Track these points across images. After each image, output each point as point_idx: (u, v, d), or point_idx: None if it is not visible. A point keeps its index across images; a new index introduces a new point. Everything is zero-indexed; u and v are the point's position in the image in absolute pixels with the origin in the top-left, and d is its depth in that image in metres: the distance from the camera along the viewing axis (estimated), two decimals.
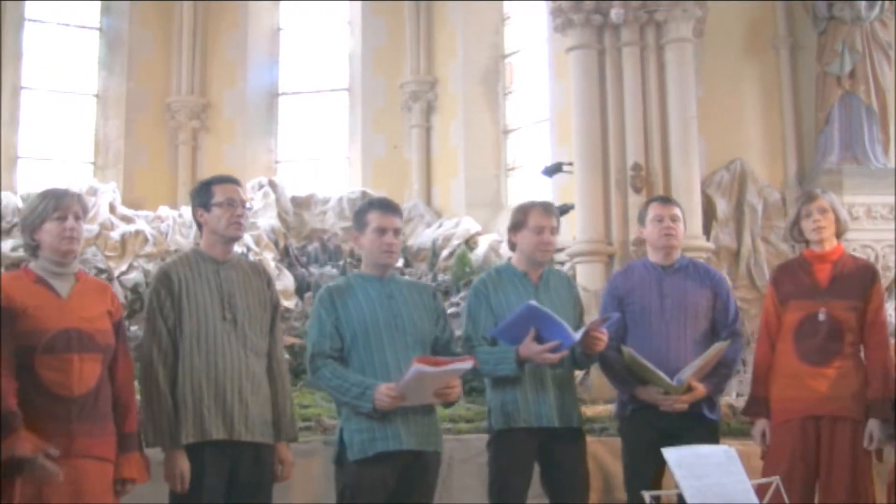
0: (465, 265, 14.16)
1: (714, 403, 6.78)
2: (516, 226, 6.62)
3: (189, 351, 5.65)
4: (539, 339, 6.13)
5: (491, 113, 16.69)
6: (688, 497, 4.70)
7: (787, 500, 5.02)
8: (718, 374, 6.73)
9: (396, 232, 6.08)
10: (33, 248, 5.36)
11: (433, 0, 17.32)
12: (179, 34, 17.91)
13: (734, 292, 10.72)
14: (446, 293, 13.30)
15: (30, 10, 17.73)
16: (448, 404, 6.08)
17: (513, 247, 6.73)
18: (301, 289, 14.14)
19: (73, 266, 5.40)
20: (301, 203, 16.56)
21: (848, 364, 6.60)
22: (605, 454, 8.43)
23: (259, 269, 6.16)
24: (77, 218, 5.33)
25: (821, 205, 6.78)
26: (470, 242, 15.21)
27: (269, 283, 6.11)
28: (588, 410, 9.61)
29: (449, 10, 17.02)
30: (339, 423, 6.01)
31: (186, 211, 15.59)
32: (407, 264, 15.09)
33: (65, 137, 17.74)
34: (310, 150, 18.27)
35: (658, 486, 6.48)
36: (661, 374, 6.48)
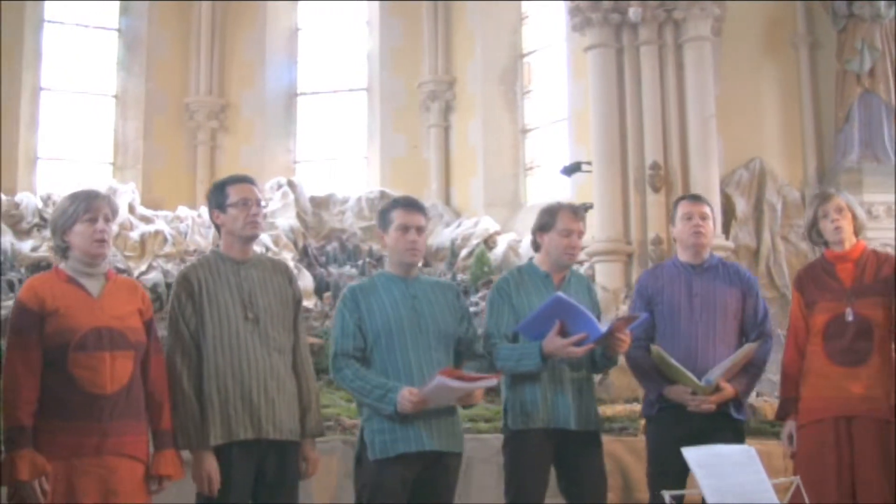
0: (484, 265, 14.16)
1: (741, 404, 6.73)
2: (544, 227, 6.57)
3: (213, 353, 5.66)
4: (564, 334, 6.10)
5: (509, 112, 16.68)
6: (708, 497, 4.68)
7: (807, 500, 4.99)
8: (747, 375, 6.68)
9: (420, 230, 6.06)
10: (63, 250, 5.39)
11: (451, 0, 17.31)
12: (198, 35, 17.94)
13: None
14: (465, 293, 13.30)
15: (49, 11, 17.78)
16: (468, 406, 6.09)
17: (537, 247, 6.69)
18: (320, 288, 14.16)
19: (103, 266, 5.43)
20: (320, 203, 16.57)
21: (881, 362, 6.54)
22: (624, 454, 8.42)
23: (280, 266, 6.16)
24: (107, 220, 5.36)
25: (837, 204, 6.72)
26: (489, 242, 15.21)
27: (291, 279, 6.10)
28: (608, 410, 9.61)
29: (467, 9, 17.02)
30: (361, 422, 6.01)
31: (205, 211, 15.59)
32: (426, 264, 15.09)
33: (84, 138, 17.78)
34: (328, 150, 18.28)
35: (683, 485, 6.46)
36: (690, 374, 6.45)
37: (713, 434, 6.19)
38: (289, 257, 14.57)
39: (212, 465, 5.54)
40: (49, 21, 17.78)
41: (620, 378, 10.11)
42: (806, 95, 13.60)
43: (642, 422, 9.24)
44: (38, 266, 13.89)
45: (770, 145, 13.47)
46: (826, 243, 6.87)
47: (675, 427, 6.54)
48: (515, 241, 15.02)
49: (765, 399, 10.16)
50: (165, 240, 15.16)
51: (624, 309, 11.04)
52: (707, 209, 6.91)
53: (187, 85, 17.99)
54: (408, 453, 5.76)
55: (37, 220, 15.24)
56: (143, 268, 14.47)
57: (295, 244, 15.34)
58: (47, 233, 14.39)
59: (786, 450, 6.82)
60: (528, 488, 6.28)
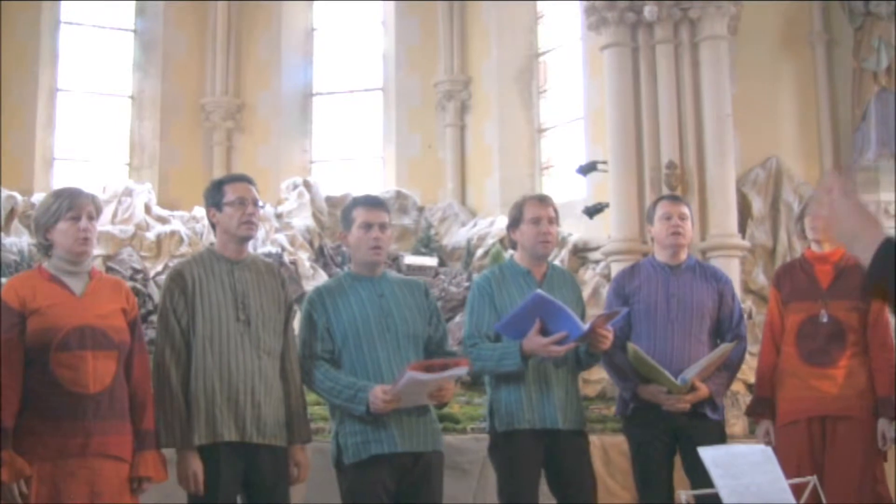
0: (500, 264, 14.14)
1: (717, 404, 6.74)
2: (514, 222, 6.55)
3: (202, 351, 5.65)
4: (545, 332, 6.06)
5: (525, 112, 16.66)
6: (724, 496, 4.67)
7: (824, 500, 4.98)
8: (721, 376, 6.72)
9: (383, 227, 6.04)
10: (46, 248, 5.37)
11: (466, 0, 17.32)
12: (213, 35, 17.96)
13: (769, 291, 10.68)
14: None
15: (65, 12, 17.84)
16: (441, 405, 6.07)
17: (514, 245, 6.68)
18: None
19: (87, 264, 5.41)
20: (336, 203, 16.53)
21: (852, 364, 6.57)
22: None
23: (273, 270, 6.14)
24: (91, 218, 5.34)
25: None
26: (504, 242, 15.19)
27: (284, 283, 6.09)
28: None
29: (482, 8, 17.01)
30: (334, 426, 5.98)
31: None
32: (442, 263, 15.11)
33: (100, 139, 17.83)
34: (344, 150, 18.29)
35: (670, 482, 6.47)
36: (666, 372, 6.46)
37: (692, 433, 6.23)
38: (304, 257, 14.59)
39: (196, 464, 5.53)
40: (65, 22, 17.84)
41: (586, 378, 10.10)
42: (822, 94, 13.56)
43: None
44: None
45: (787, 144, 13.44)
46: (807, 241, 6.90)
47: (653, 426, 6.57)
48: None
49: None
50: (181, 240, 15.17)
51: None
52: (686, 209, 6.93)
53: (203, 85, 18.02)
54: (381, 455, 5.74)
55: None
56: (160, 268, 14.49)
57: (311, 244, 15.35)
58: None
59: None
60: (521, 491, 6.25)
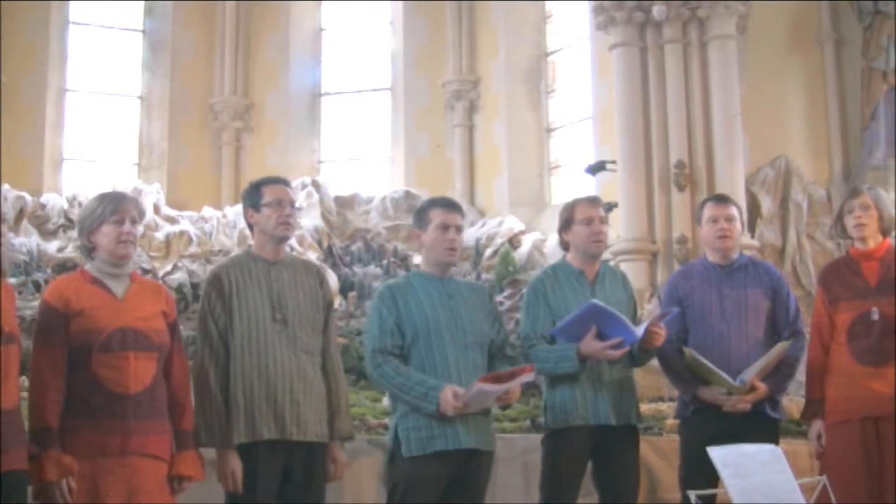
0: (509, 264, 14.13)
1: (776, 402, 6.69)
2: (566, 224, 6.57)
3: (240, 352, 5.69)
4: (600, 337, 6.11)
5: (534, 111, 16.66)
6: (734, 496, 4.66)
7: (833, 500, 4.96)
8: (780, 373, 6.64)
9: (458, 229, 6.07)
10: (89, 250, 5.42)
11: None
12: (222, 35, 17.99)
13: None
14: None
15: (74, 13, 17.88)
16: (506, 406, 6.14)
17: (566, 246, 6.68)
18: (344, 288, 14.16)
19: (128, 267, 5.46)
20: (344, 203, 16.58)
21: None
22: (649, 453, 8.40)
23: (312, 268, 6.18)
24: (133, 222, 5.40)
25: (863, 201, 6.65)
26: (513, 241, 15.19)
27: (322, 281, 6.11)
28: None
29: (491, 8, 17.01)
30: (394, 419, 5.98)
31: (230, 211, 15.69)
32: None
33: (109, 139, 17.88)
34: (353, 149, 18.31)
35: (716, 486, 6.44)
36: (723, 374, 6.42)
37: (747, 433, 6.14)
38: (313, 257, 14.58)
39: (235, 463, 5.55)
40: (74, 23, 17.89)
41: (645, 377, 10.06)
42: (831, 93, 13.55)
43: (668, 421, 9.24)
44: (63, 266, 13.95)
45: (795, 143, 13.43)
46: (851, 239, 6.83)
47: (710, 427, 6.52)
48: (540, 240, 15.01)
49: (790, 398, 10.12)
50: (190, 240, 15.19)
51: (649, 308, 11.02)
52: (733, 210, 6.87)
53: (212, 86, 18.04)
54: (443, 451, 5.76)
55: (62, 220, 15.31)
56: (169, 268, 14.52)
57: (319, 244, 15.36)
58: (73, 233, 14.49)
59: (814, 450, 6.77)
60: (563, 486, 6.28)
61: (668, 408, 9.75)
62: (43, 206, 15.44)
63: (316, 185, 16.36)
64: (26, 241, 14.57)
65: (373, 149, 18.27)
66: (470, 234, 15.67)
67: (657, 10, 12.37)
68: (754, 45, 13.17)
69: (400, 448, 5.83)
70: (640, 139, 12.52)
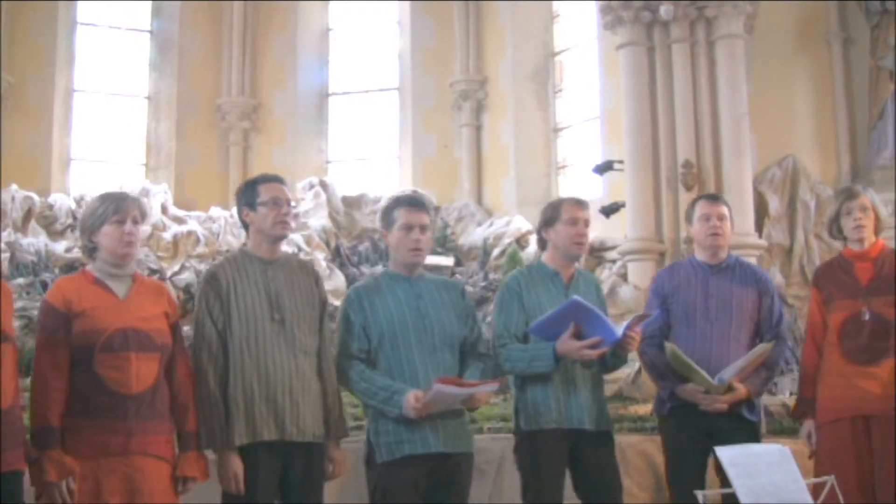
0: (517, 263, 14.11)
1: (754, 405, 6.71)
2: (548, 221, 6.52)
3: (239, 352, 5.66)
4: (578, 336, 6.07)
5: (541, 111, 16.66)
6: (741, 496, 4.65)
7: (841, 499, 4.96)
8: (760, 376, 6.66)
9: (423, 228, 5.98)
10: (91, 250, 5.42)
11: None
12: (229, 36, 18.02)
13: (787, 290, 10.62)
14: (496, 292, 13.29)
15: (81, 13, 17.92)
16: (473, 409, 6.10)
17: (543, 244, 6.65)
18: None
19: (130, 268, 5.46)
20: (352, 203, 16.60)
21: None
22: (656, 453, 8.37)
23: (307, 268, 6.15)
24: (135, 222, 5.39)
25: (862, 203, 6.69)
26: (521, 241, 15.20)
27: (318, 281, 6.08)
28: (640, 409, 9.59)
29: (498, 8, 17.02)
30: (367, 424, 5.98)
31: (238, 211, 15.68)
32: (458, 263, 15.11)
33: (116, 139, 17.92)
34: (360, 149, 18.34)
35: (702, 483, 6.44)
36: (703, 372, 6.44)
37: (727, 434, 6.17)
38: (321, 257, 14.61)
39: (237, 464, 5.54)
40: (82, 23, 17.93)
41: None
42: (839, 92, 13.51)
43: None
44: (71, 266, 13.97)
45: (803, 143, 13.40)
46: (845, 240, 6.85)
47: (689, 426, 6.54)
48: None
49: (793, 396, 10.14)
50: (198, 240, 15.22)
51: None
52: (725, 209, 6.88)
53: (219, 86, 18.07)
54: (414, 455, 5.74)
55: (70, 220, 15.33)
56: (176, 268, 14.54)
57: (327, 244, 15.38)
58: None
59: (806, 449, 6.79)
60: (546, 490, 6.23)
61: None
62: (51, 207, 15.47)
63: (323, 185, 16.39)
64: (34, 241, 14.60)
65: (380, 149, 18.29)
66: (477, 234, 15.69)
67: (664, 10, 12.36)
68: (762, 44, 13.15)
69: (374, 453, 5.83)
70: (647, 139, 12.52)
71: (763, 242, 12.43)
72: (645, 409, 9.63)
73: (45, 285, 13.47)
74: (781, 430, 8.76)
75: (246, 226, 6.02)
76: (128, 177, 17.23)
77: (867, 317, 6.51)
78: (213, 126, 17.95)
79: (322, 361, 5.93)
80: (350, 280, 14.34)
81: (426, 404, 5.59)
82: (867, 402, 6.42)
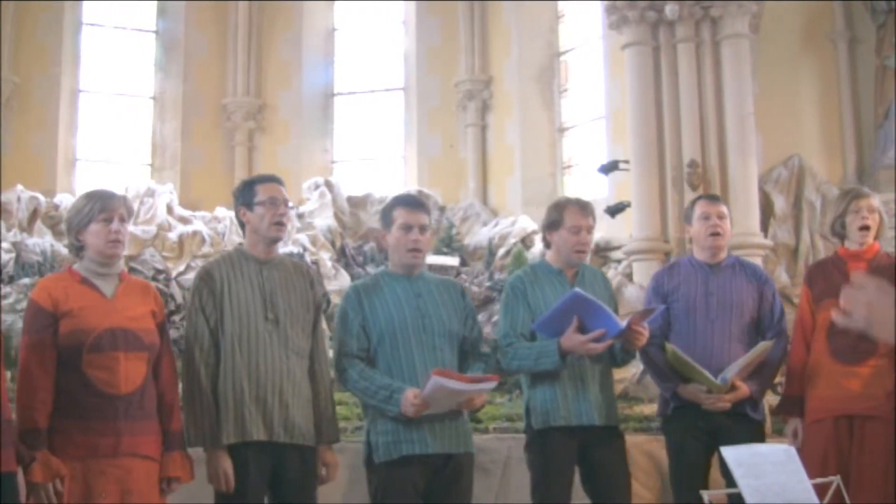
0: (522, 264, 14.09)
1: (757, 403, 6.71)
2: (552, 225, 6.52)
3: (231, 351, 5.66)
4: (582, 330, 6.06)
5: (546, 111, 16.65)
6: (747, 496, 4.64)
7: (847, 500, 4.95)
8: (762, 375, 6.67)
9: (423, 228, 5.99)
10: (78, 249, 5.41)
11: None
12: (235, 36, 18.01)
13: (792, 290, 10.61)
14: (501, 292, 13.27)
15: (87, 13, 17.91)
16: (473, 411, 6.11)
17: (547, 244, 6.66)
18: None
19: (117, 266, 5.44)
20: (357, 203, 16.61)
21: (882, 363, 6.48)
22: (661, 453, 8.38)
23: (302, 269, 6.14)
24: (122, 220, 5.38)
25: (871, 203, 6.72)
26: (526, 241, 15.18)
27: (312, 283, 6.08)
28: (645, 409, 9.58)
29: (503, 8, 17.01)
30: (366, 424, 5.98)
31: None
32: (463, 263, 15.10)
33: (122, 139, 17.91)
34: (365, 149, 18.32)
35: (705, 483, 6.43)
36: (705, 371, 6.44)
37: (730, 433, 6.17)
38: (326, 257, 14.61)
39: (226, 463, 5.54)
40: (87, 23, 17.91)
41: None
42: (845, 92, 13.50)
43: None
44: None
45: (809, 142, 13.39)
46: (842, 239, 6.84)
47: (692, 426, 6.54)
48: None
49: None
50: (203, 240, 15.21)
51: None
52: (724, 209, 6.90)
53: (224, 86, 18.06)
54: (412, 455, 5.73)
55: None
56: (182, 268, 14.53)
57: (332, 244, 15.37)
58: None
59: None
60: (555, 489, 6.24)
61: None
62: (56, 207, 15.47)
63: (329, 185, 16.39)
64: (40, 241, 14.59)
65: (385, 149, 18.28)
66: (482, 234, 15.69)
67: (670, 10, 12.35)
68: (767, 44, 13.14)
69: (373, 453, 5.83)
70: (652, 138, 12.51)
71: (768, 242, 12.42)
72: (650, 409, 9.63)
73: None
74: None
75: (243, 225, 6.01)
76: (133, 177, 17.23)
77: None
78: (219, 126, 17.95)
79: (315, 364, 5.92)
80: (355, 280, 14.33)
81: (424, 399, 5.58)
82: (849, 402, 6.43)
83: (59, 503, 5.00)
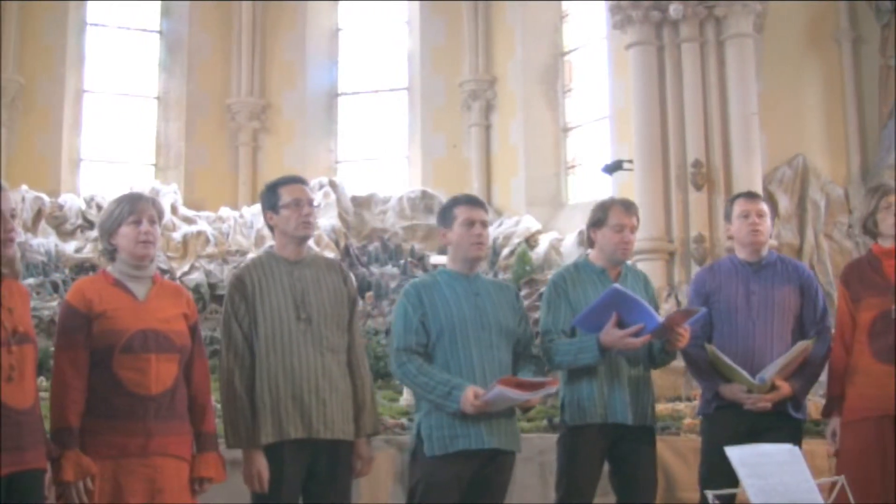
0: (526, 264, 14.13)
1: (800, 402, 6.67)
2: (596, 223, 6.53)
3: (265, 353, 5.69)
4: (621, 326, 6.07)
5: (550, 111, 16.66)
6: (751, 496, 4.64)
7: (852, 500, 4.94)
8: (805, 374, 6.59)
9: (484, 224, 6.05)
10: (111, 252, 5.44)
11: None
12: (239, 36, 18.03)
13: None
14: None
15: (91, 14, 17.95)
16: (527, 410, 6.17)
17: (591, 243, 6.66)
18: (362, 288, 14.16)
19: (149, 269, 5.46)
20: (361, 203, 16.61)
21: None
22: (666, 453, 8.37)
23: (335, 266, 6.16)
24: (152, 222, 5.39)
25: None
26: (530, 241, 15.19)
27: (346, 278, 6.09)
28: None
29: (507, 8, 17.01)
30: (418, 417, 5.96)
31: (247, 211, 15.74)
32: None
33: (126, 140, 17.95)
34: (369, 149, 18.34)
35: (737, 485, 6.40)
36: (744, 372, 6.39)
37: (770, 433, 6.13)
38: (330, 257, 14.61)
39: (262, 464, 5.55)
40: (91, 24, 17.98)
41: (662, 377, 10.05)
42: (849, 91, 13.49)
43: (686, 421, 9.22)
44: (81, 267, 14.02)
45: (813, 142, 13.38)
46: (875, 237, 6.78)
47: (731, 425, 6.49)
48: (557, 239, 15.00)
49: (809, 398, 10.09)
50: (208, 240, 15.23)
51: (666, 308, 10.98)
52: (764, 206, 6.83)
53: (228, 86, 18.09)
54: (465, 450, 5.75)
55: (80, 221, 15.37)
56: (186, 268, 14.55)
57: (336, 244, 15.38)
58: (91, 234, 14.56)
59: (829, 448, 6.75)
60: (579, 484, 6.24)
61: (685, 407, 9.74)
62: (61, 207, 15.51)
63: (333, 185, 16.40)
64: (44, 241, 14.63)
65: (389, 149, 18.30)
66: None
67: (674, 9, 12.35)
68: (771, 43, 13.14)
69: (422, 447, 5.82)
70: (656, 138, 12.50)
71: (773, 242, 12.37)
72: (657, 408, 9.62)
73: (55, 286, 13.50)
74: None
75: (271, 228, 6.05)
76: (137, 177, 17.27)
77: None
78: (223, 126, 17.97)
79: (352, 358, 5.95)
80: (359, 280, 14.34)
81: (486, 402, 5.61)
82: (891, 401, 6.36)
83: (90, 502, 5.02)
